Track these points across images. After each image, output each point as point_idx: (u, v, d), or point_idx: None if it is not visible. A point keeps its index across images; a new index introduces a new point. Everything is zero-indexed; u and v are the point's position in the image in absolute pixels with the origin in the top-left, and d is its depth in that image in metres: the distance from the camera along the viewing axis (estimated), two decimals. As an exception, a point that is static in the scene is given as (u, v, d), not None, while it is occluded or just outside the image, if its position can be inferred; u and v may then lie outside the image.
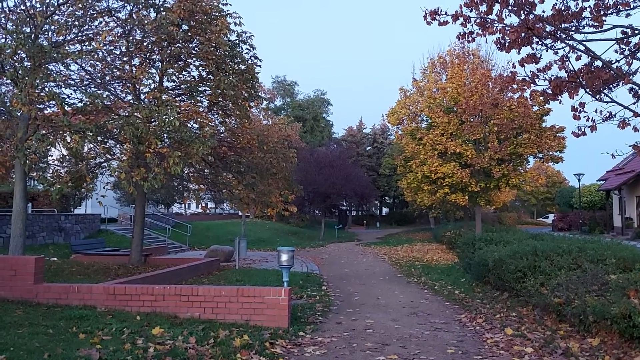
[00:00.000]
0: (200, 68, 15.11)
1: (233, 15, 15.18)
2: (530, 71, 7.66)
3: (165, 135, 10.46)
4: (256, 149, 15.00)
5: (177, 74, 13.88)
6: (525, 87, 8.35)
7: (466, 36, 7.38)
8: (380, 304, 11.41)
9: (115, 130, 10.43)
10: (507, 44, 7.35)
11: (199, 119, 12.77)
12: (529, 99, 22.08)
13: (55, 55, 9.34)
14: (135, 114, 11.12)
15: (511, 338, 7.61)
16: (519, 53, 7.66)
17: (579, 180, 39.28)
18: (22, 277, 9.16)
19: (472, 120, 22.69)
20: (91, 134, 9.62)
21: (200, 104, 14.35)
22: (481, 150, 22.08)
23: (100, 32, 11.61)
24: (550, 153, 22.40)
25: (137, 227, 15.32)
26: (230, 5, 15.03)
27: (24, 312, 7.98)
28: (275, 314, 8.34)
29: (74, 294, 9.11)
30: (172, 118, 10.18)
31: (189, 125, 13.24)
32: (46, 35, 10.49)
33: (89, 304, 8.92)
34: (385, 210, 77.07)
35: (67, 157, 12.10)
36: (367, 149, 69.79)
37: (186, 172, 14.43)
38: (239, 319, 8.39)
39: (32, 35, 9.57)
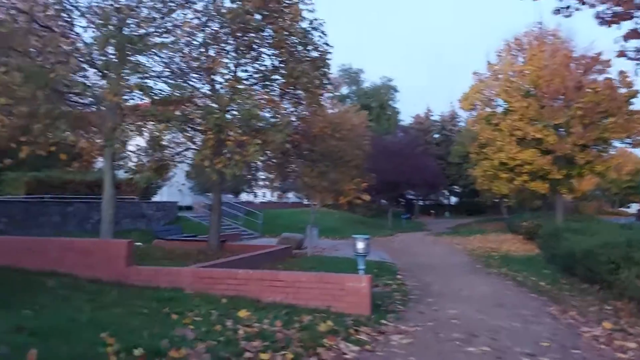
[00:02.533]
0: (273, 57, 15.19)
1: (306, 2, 15.13)
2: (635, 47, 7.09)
3: (243, 123, 10.62)
4: (329, 137, 14.97)
5: (250, 63, 14.05)
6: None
7: (563, 11, 6.93)
8: (462, 294, 11.07)
9: (197, 119, 10.71)
10: (609, 19, 6.82)
11: (274, 108, 12.88)
12: (615, 80, 20.82)
13: (141, 46, 9.70)
14: (211, 104, 11.35)
15: (610, 332, 7.14)
16: (619, 28, 7.12)
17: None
18: (115, 259, 9.65)
19: (553, 104, 21.60)
20: (178, 123, 9.93)
21: (272, 92, 14.47)
22: (563, 136, 20.99)
23: (180, 24, 11.93)
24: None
25: (214, 214, 15.75)
26: (301, -11, 14.96)
27: (119, 293, 8.38)
28: (357, 301, 8.27)
29: (163, 276, 9.49)
30: (251, 107, 10.31)
31: (263, 114, 13.34)
32: (130, 29, 10.87)
33: (177, 285, 9.25)
34: (454, 199, 75.13)
35: (149, 146, 12.56)
36: (435, 136, 68.21)
37: (261, 159, 14.62)
38: (319, 304, 8.38)
39: (119, 29, 9.96)
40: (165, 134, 11.02)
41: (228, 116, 10.55)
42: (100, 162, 37.94)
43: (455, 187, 68.28)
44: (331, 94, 34.95)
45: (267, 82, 14.78)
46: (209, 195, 34.79)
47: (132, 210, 22.04)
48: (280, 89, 14.70)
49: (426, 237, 32.22)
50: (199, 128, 11.15)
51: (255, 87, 14.44)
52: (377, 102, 56.41)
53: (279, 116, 12.61)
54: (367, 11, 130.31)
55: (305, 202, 62.26)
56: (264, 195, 67.94)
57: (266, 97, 12.28)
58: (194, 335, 5.89)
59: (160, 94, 10.33)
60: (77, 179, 24.61)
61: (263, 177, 20.48)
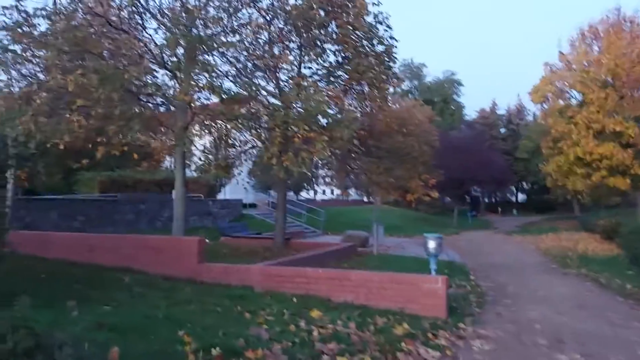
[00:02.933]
0: (337, 52, 14.98)
1: (370, -5, 14.76)
2: None
3: (310, 120, 10.49)
4: (395, 133, 14.59)
5: (315, 59, 13.91)
6: None
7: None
8: (539, 295, 10.47)
9: (263, 117, 10.70)
10: None
11: (338, 104, 12.66)
12: None
13: (210, 45, 9.78)
14: (277, 101, 11.28)
15: None
16: None
17: None
18: (187, 257, 9.78)
19: (634, 94, 20.17)
20: (245, 121, 9.94)
21: (336, 88, 14.27)
22: (646, 128, 19.54)
23: (246, 22, 11.97)
24: None
25: (279, 212, 15.76)
26: (367, -16, 14.62)
27: (192, 290, 8.45)
28: (432, 303, 7.91)
29: (233, 274, 9.51)
30: (317, 103, 10.17)
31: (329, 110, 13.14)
32: (198, 29, 10.98)
33: (247, 283, 9.23)
34: (521, 196, 72.27)
35: (217, 144, 12.71)
36: (502, 131, 65.86)
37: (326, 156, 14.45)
38: (392, 305, 8.08)
39: (188, 29, 10.07)
40: (233, 132, 11.07)
41: (294, 113, 10.44)
42: (167, 162, 39.37)
43: (524, 183, 65.70)
44: (396, 89, 34.43)
45: (331, 78, 14.58)
46: (271, 193, 35.23)
47: (198, 208, 22.56)
48: (345, 84, 14.48)
49: (494, 235, 31.07)
50: (265, 126, 11.14)
51: (319, 83, 14.31)
52: (441, 96, 54.96)
53: (344, 112, 12.39)
54: (426, 3, 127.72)
55: (366, 199, 62.03)
56: (323, 192, 68.15)
57: (331, 93, 12.09)
58: (268, 335, 5.78)
59: (228, 92, 10.37)
60: (146, 178, 25.55)
61: (324, 174, 20.20)
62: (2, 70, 10.06)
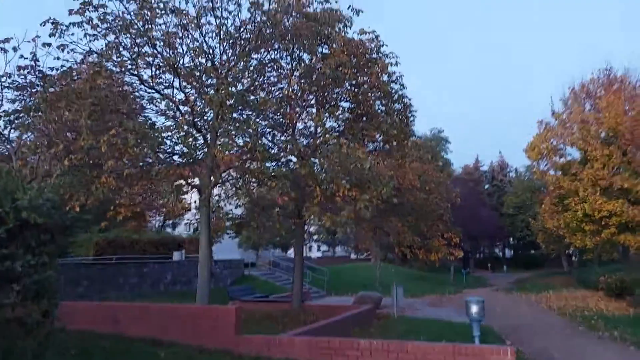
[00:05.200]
0: (359, 109, 14.93)
1: (389, 56, 14.89)
2: None
3: (351, 177, 10.15)
4: (418, 190, 14.33)
5: (340, 115, 13.80)
6: None
7: None
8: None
9: (300, 174, 10.31)
10: None
11: (374, 161, 12.39)
12: None
13: (254, 102, 9.51)
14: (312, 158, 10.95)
15: None
16: None
17: None
18: (223, 327, 9.04)
19: (638, 152, 20.49)
20: (281, 180, 9.51)
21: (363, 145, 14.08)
22: (654, 185, 19.69)
23: (275, 81, 11.80)
24: None
25: (297, 272, 15.12)
26: (387, 45, 14.77)
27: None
28: (502, 376, 7.31)
29: (276, 347, 8.78)
30: (356, 161, 9.85)
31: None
32: (231, 86, 10.72)
33: (291, 356, 8.51)
34: (508, 252, 72.31)
35: (244, 203, 12.20)
36: (486, 187, 66.64)
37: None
38: (458, 380, 7.46)
39: (226, 88, 9.77)
40: (260, 190, 10.66)
41: (333, 170, 10.09)
42: (156, 221, 38.24)
43: (510, 239, 65.84)
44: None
45: (350, 135, 14.43)
46: (272, 252, 34.42)
47: (200, 269, 21.66)
48: (367, 141, 14.31)
49: (496, 293, 30.43)
50: (299, 183, 10.75)
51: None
52: (430, 153, 55.45)
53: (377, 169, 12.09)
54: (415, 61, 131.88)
55: (354, 256, 61.14)
56: (309, 249, 67.05)
57: (363, 149, 11.85)
58: None
59: (263, 150, 10.01)
60: (144, 239, 24.65)
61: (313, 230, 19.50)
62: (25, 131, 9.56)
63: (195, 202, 12.36)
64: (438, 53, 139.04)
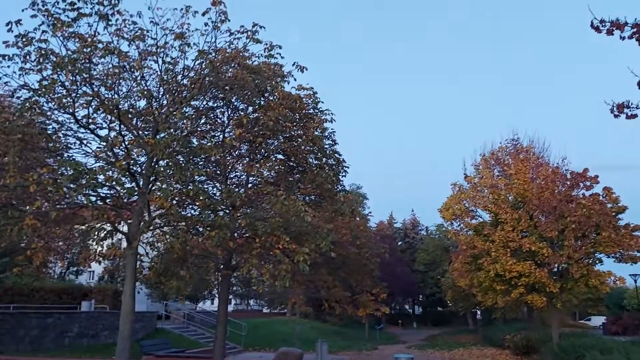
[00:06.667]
0: (291, 161, 15.09)
1: (325, 112, 15.35)
2: None
3: (290, 229, 10.08)
4: (349, 244, 14.50)
5: (277, 167, 13.84)
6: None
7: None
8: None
9: (242, 224, 10.07)
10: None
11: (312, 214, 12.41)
12: (601, 196, 21.79)
13: (195, 149, 9.31)
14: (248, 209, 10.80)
15: None
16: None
17: (636, 280, 37.58)
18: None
19: (543, 217, 22.16)
20: (225, 229, 9.23)
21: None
22: (556, 249, 21.28)
23: (215, 128, 11.69)
24: (628, 252, 21.48)
25: (220, 327, 14.46)
26: (323, 102, 15.24)
27: None
28: None
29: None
30: (296, 213, 9.86)
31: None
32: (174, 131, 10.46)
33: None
34: (417, 308, 74.11)
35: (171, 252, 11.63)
36: (399, 244, 68.72)
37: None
38: None
39: (170, 132, 9.52)
40: (197, 240, 10.30)
41: (274, 222, 9.99)
42: (58, 267, 35.43)
43: (420, 296, 67.68)
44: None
45: (291, 187, 14.48)
46: (185, 304, 32.78)
47: (111, 321, 20.15)
48: (302, 194, 14.39)
49: (414, 351, 30.87)
50: (246, 235, 10.50)
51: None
52: (349, 209, 56.58)
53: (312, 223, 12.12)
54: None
55: (267, 310, 59.84)
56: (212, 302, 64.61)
57: (302, 203, 11.88)
58: None
59: (205, 198, 9.74)
60: (46, 287, 22.69)
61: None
62: None
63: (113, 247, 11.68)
64: (356, 109, 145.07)
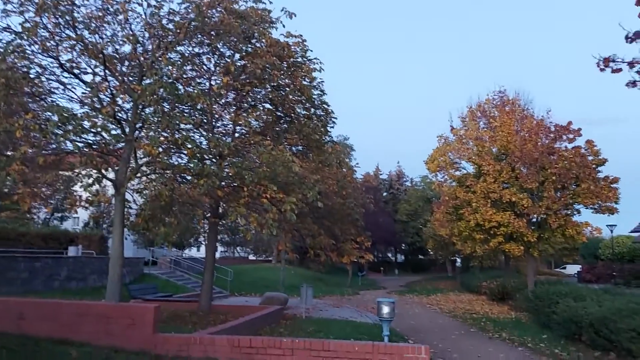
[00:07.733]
0: (279, 111, 15.05)
1: (314, 62, 15.16)
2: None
3: (279, 179, 10.20)
4: (334, 194, 14.73)
5: (265, 117, 13.82)
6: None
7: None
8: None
9: (231, 174, 10.18)
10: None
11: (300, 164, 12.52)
12: (583, 149, 22.18)
13: (182, 96, 9.24)
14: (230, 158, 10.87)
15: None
16: None
17: (612, 231, 38.85)
18: (140, 327, 8.71)
19: (524, 169, 22.55)
20: (214, 178, 9.33)
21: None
22: (536, 200, 21.81)
23: (202, 75, 11.57)
24: (606, 204, 22.07)
25: (207, 273, 14.84)
26: (312, 51, 15.04)
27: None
28: (418, 373, 7.82)
29: (195, 346, 8.62)
30: (284, 163, 9.98)
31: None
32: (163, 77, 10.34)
33: (212, 356, 8.42)
34: (399, 256, 76.05)
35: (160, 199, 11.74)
36: (384, 195, 69.65)
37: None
38: (376, 377, 7.86)
39: (157, 78, 9.41)
40: (184, 188, 10.43)
41: (265, 171, 10.11)
42: (43, 213, 35.33)
43: (403, 244, 69.35)
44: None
45: (277, 137, 14.51)
46: (172, 250, 33.25)
47: (98, 266, 20.45)
48: (289, 144, 14.46)
49: (390, 295, 31.93)
50: (235, 184, 10.58)
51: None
52: (335, 160, 56.82)
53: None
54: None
55: (253, 257, 60.93)
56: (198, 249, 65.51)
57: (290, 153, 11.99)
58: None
59: (194, 147, 9.76)
60: (32, 232, 22.79)
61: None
62: None
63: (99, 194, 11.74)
64: (348, 59, 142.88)
